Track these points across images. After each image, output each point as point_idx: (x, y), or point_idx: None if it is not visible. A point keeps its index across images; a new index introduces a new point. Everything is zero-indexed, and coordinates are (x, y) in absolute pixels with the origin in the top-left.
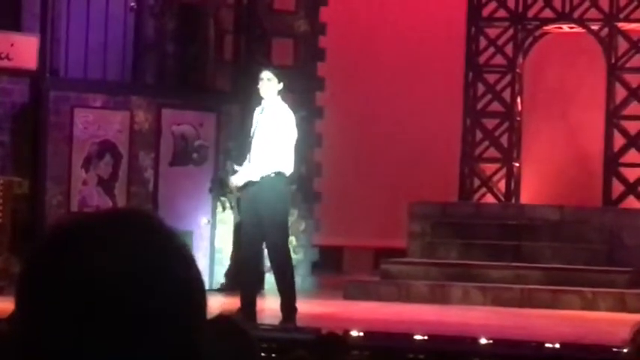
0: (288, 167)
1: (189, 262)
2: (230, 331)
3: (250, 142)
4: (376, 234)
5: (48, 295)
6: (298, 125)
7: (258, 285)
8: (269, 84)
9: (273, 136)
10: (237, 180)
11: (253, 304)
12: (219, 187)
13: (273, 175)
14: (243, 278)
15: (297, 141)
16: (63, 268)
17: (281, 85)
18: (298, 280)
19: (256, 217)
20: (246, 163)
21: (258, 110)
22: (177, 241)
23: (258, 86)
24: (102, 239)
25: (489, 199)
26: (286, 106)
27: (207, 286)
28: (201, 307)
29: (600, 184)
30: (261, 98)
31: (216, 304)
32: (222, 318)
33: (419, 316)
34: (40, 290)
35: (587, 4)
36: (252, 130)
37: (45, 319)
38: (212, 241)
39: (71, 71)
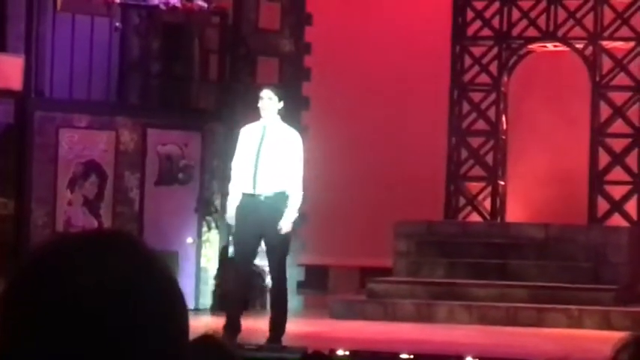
0: (301, 188)
1: (171, 283)
2: (214, 351)
3: (255, 163)
4: (362, 253)
5: (30, 317)
6: None
7: (244, 303)
8: (270, 103)
9: (287, 156)
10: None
11: (238, 322)
12: (205, 207)
13: (282, 193)
14: (231, 295)
15: None
16: (45, 289)
17: (281, 104)
18: None
19: (257, 234)
20: (247, 185)
21: (254, 129)
22: (159, 262)
23: (259, 105)
24: (84, 260)
25: (475, 217)
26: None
27: (192, 306)
28: (184, 328)
29: (585, 202)
30: (254, 117)
31: (202, 324)
32: (207, 338)
33: (405, 334)
34: (22, 311)
35: (571, 22)
36: (254, 149)
37: (27, 340)
38: (198, 261)
39: (56, 91)
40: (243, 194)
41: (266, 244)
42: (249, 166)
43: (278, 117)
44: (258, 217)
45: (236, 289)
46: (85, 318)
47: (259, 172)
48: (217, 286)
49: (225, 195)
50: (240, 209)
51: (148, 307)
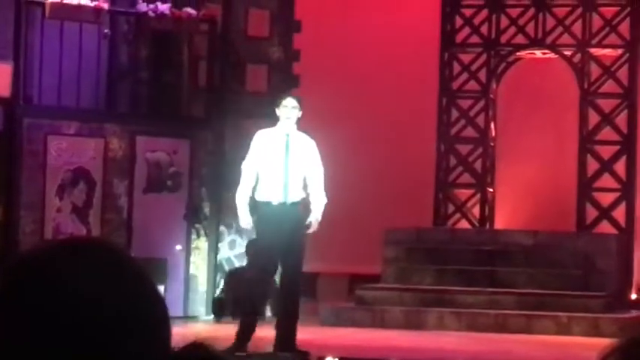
0: (324, 194)
1: (152, 292)
2: (201, 358)
3: (286, 172)
4: (351, 260)
5: (10, 323)
6: None
7: (261, 312)
8: (294, 111)
9: (311, 164)
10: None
11: (253, 330)
12: (194, 214)
13: (303, 201)
14: (248, 303)
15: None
16: (25, 297)
17: (300, 113)
18: (273, 306)
19: (283, 243)
20: (277, 193)
21: (275, 137)
22: (140, 270)
23: (280, 113)
24: (64, 269)
25: (464, 224)
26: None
27: (182, 314)
28: (165, 336)
29: (574, 209)
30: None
31: (192, 331)
32: (196, 346)
33: (394, 341)
34: (2, 318)
35: (559, 30)
36: (281, 158)
37: (7, 347)
38: (187, 269)
39: (45, 98)
40: (269, 203)
41: (286, 251)
42: (278, 174)
43: (295, 126)
44: (287, 226)
45: (255, 296)
46: (65, 326)
47: (290, 182)
48: (226, 292)
49: (214, 202)
50: (267, 217)
51: (128, 316)
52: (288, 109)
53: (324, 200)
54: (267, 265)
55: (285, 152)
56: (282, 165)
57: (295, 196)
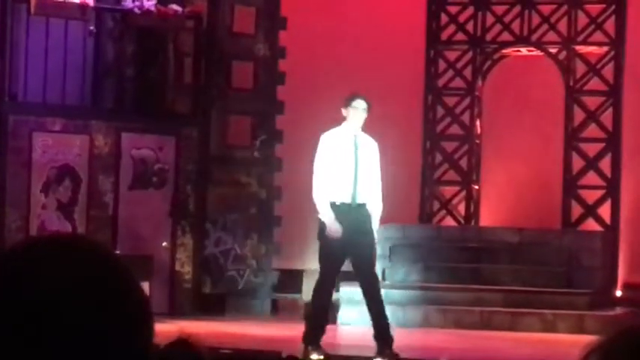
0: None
1: (133, 287)
2: (188, 355)
3: (355, 174)
4: None
5: None
6: (260, 149)
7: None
8: (363, 114)
9: (377, 170)
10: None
11: (324, 332)
12: (180, 211)
13: (368, 203)
14: (318, 310)
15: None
16: (6, 293)
17: (366, 114)
18: (258, 303)
19: (346, 246)
20: (346, 195)
21: (343, 138)
22: (120, 266)
23: (348, 114)
24: (47, 265)
25: (449, 221)
26: None
27: (167, 311)
28: (147, 331)
29: (559, 206)
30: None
31: (177, 328)
32: (181, 342)
33: None
34: None
35: (545, 27)
36: (351, 160)
37: None
38: (172, 265)
39: (30, 95)
40: (336, 204)
41: (357, 255)
42: (348, 176)
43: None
44: (351, 228)
45: (324, 303)
46: (46, 322)
47: (359, 183)
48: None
49: (200, 198)
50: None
51: (109, 313)
52: (359, 110)
53: (381, 207)
54: (330, 272)
55: (355, 153)
56: (352, 166)
57: (362, 199)
